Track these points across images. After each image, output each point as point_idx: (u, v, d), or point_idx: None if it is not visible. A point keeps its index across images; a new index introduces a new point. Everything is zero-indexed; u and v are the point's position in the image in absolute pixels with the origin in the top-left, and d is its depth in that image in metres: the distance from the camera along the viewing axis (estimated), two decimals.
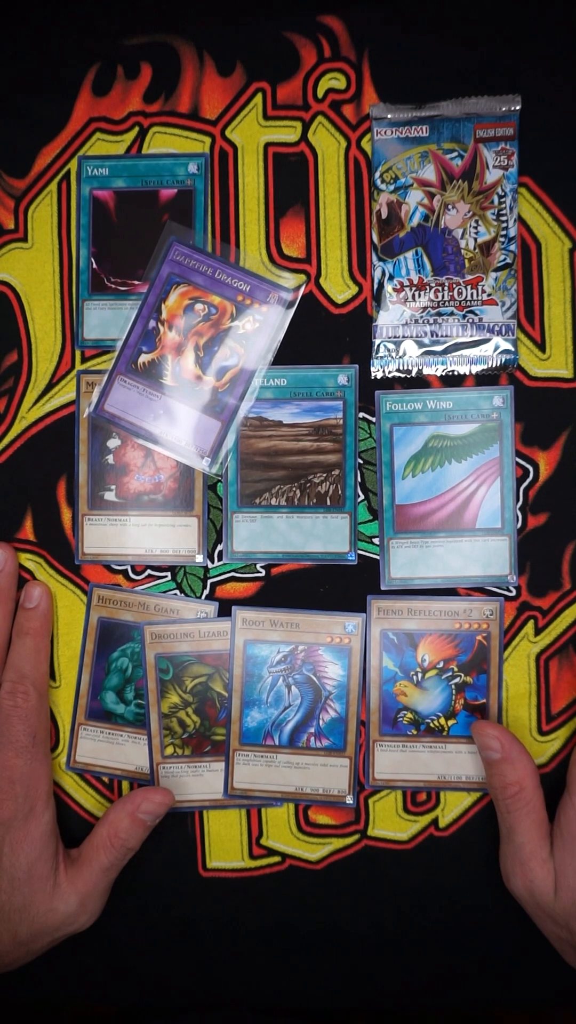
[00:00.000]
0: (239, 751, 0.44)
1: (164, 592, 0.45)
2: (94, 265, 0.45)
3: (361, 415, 0.44)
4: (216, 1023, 0.46)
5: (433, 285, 0.44)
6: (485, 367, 0.44)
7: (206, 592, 0.45)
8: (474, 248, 0.43)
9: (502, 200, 0.43)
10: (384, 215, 0.44)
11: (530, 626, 0.44)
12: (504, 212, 0.43)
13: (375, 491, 0.44)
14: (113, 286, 0.45)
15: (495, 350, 0.44)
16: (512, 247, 0.43)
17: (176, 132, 0.44)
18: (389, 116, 0.43)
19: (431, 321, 0.44)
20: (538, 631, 0.44)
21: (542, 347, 0.44)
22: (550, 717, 0.44)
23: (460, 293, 0.44)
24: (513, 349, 0.44)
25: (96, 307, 0.45)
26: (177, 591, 0.45)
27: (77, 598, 0.45)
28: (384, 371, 0.44)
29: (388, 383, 0.44)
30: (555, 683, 0.44)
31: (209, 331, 0.44)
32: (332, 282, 0.44)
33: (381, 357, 0.44)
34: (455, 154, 0.43)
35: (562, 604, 0.44)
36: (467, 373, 0.44)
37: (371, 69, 0.44)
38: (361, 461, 0.44)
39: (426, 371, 0.44)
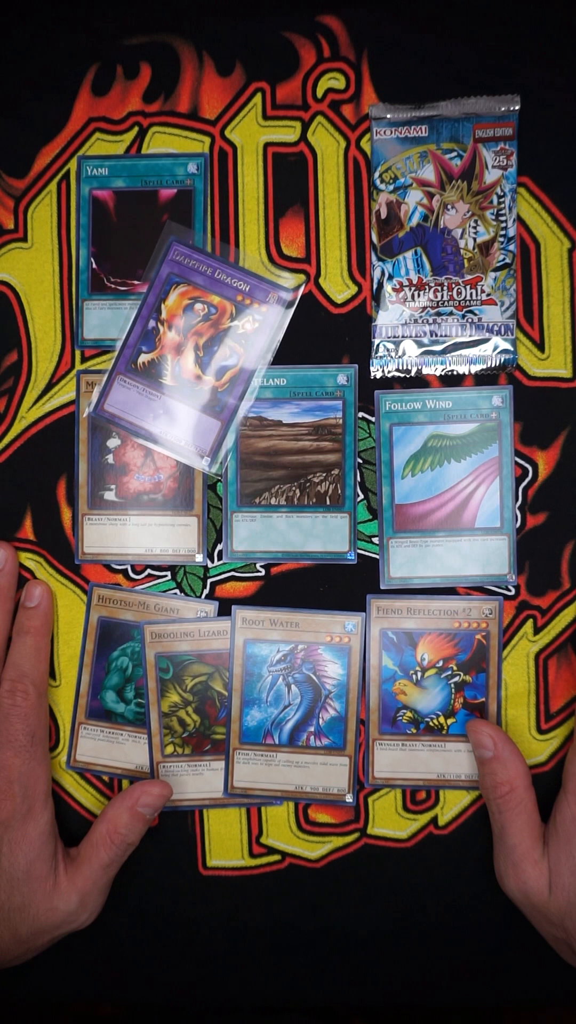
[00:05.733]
0: (239, 750, 0.45)
1: (164, 591, 0.45)
2: (94, 265, 0.45)
3: (360, 415, 0.44)
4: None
5: (432, 285, 0.44)
6: (484, 367, 0.44)
7: (206, 591, 0.45)
8: (473, 248, 0.43)
9: (501, 200, 0.43)
10: (383, 215, 0.44)
11: (529, 625, 0.44)
12: (503, 212, 0.43)
13: (374, 491, 0.44)
14: (113, 286, 0.45)
15: (494, 350, 0.44)
16: (511, 247, 0.43)
17: (175, 132, 0.44)
18: (388, 116, 0.43)
19: (430, 321, 0.44)
20: (537, 630, 0.44)
21: (541, 347, 0.44)
22: (549, 716, 0.44)
23: (459, 293, 0.44)
24: (512, 349, 0.44)
25: (96, 307, 0.45)
26: (177, 590, 0.45)
27: (77, 597, 0.45)
28: (383, 371, 0.44)
29: (387, 383, 0.44)
30: (554, 682, 0.44)
31: (209, 331, 0.44)
32: (331, 282, 0.44)
33: (380, 357, 0.44)
34: (454, 154, 0.43)
35: (561, 603, 0.44)
36: (466, 373, 0.44)
37: (370, 69, 0.44)
38: (360, 461, 0.44)
39: (425, 371, 0.44)
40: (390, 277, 0.44)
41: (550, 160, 0.44)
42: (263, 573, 0.45)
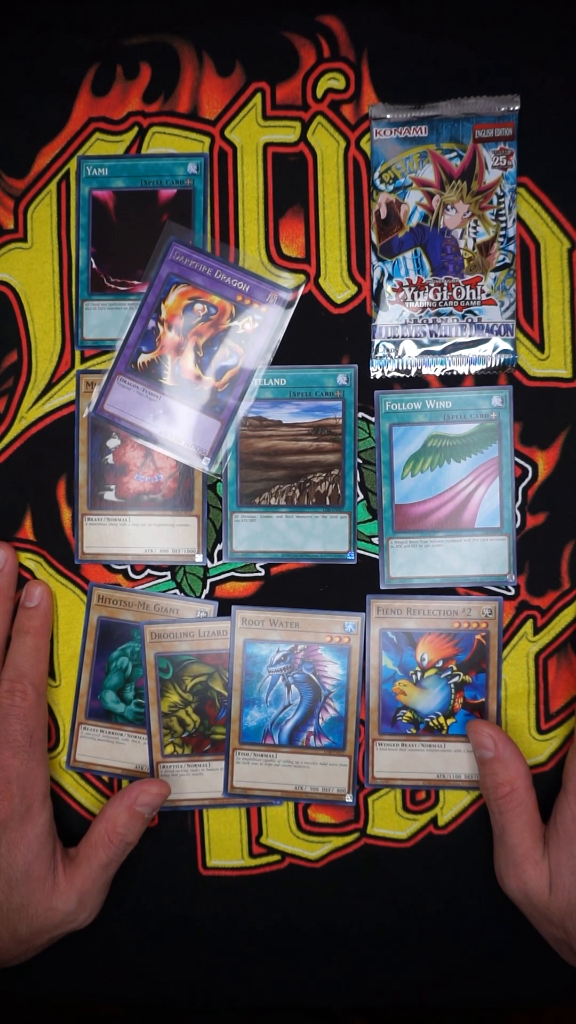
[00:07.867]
0: (239, 750, 0.45)
1: (164, 592, 0.45)
2: (94, 265, 0.45)
3: (360, 415, 0.44)
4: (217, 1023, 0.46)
5: (432, 285, 0.44)
6: (484, 367, 0.44)
7: (206, 592, 0.45)
8: (473, 248, 0.43)
9: (501, 200, 0.43)
10: (383, 215, 0.44)
11: (529, 625, 0.44)
12: (503, 212, 0.43)
13: (374, 491, 0.44)
14: (113, 286, 0.45)
15: (494, 350, 0.44)
16: (511, 247, 0.43)
17: (175, 132, 0.44)
18: (388, 116, 0.43)
19: (430, 321, 0.44)
20: (537, 630, 0.44)
21: (541, 347, 0.44)
22: (548, 716, 0.44)
23: (459, 293, 0.44)
24: (512, 349, 0.44)
25: (96, 307, 0.45)
26: (177, 591, 0.45)
27: (77, 597, 0.45)
28: (383, 371, 0.44)
29: (387, 383, 0.44)
30: (554, 682, 0.44)
31: (208, 331, 0.44)
32: (331, 282, 0.44)
33: (380, 357, 0.44)
34: (454, 154, 0.43)
35: (561, 603, 0.44)
36: (466, 373, 0.44)
37: (370, 69, 0.44)
38: (360, 461, 0.44)
39: (425, 371, 0.44)
40: (390, 277, 0.44)
41: (550, 160, 0.44)
42: (263, 573, 0.45)
